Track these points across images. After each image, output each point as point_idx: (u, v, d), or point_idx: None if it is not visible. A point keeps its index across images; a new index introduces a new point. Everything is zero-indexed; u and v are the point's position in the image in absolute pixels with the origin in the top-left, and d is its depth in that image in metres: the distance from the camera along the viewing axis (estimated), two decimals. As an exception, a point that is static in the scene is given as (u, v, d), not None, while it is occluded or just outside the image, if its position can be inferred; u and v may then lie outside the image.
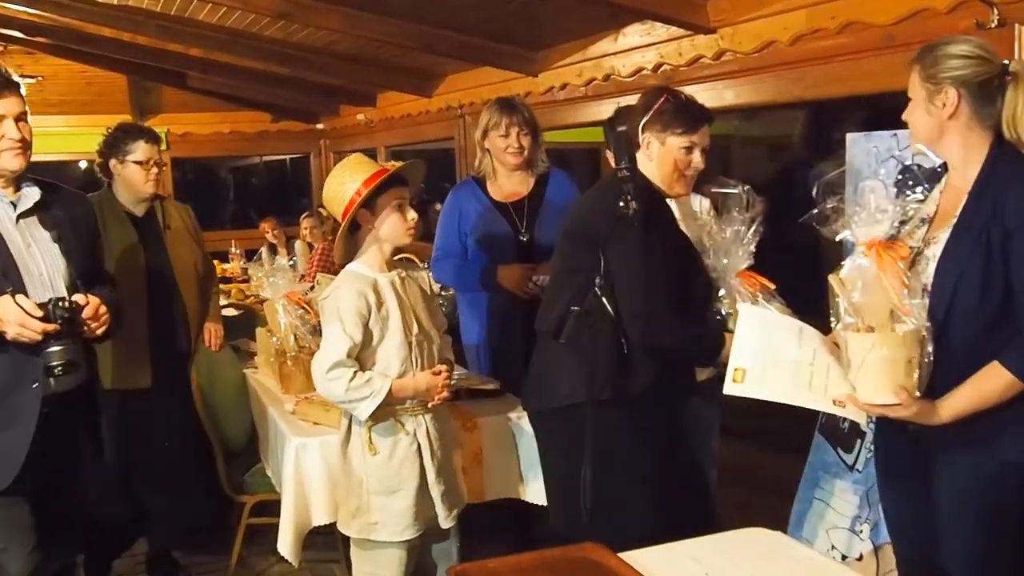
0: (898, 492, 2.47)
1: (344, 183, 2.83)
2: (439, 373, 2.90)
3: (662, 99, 2.88)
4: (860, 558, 3.13)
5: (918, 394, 2.17)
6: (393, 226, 2.85)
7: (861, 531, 3.15)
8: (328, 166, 10.12)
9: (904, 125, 2.42)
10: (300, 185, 10.84)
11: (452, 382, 3.01)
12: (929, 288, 2.21)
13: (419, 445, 2.90)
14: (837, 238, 2.25)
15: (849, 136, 3.32)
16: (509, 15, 4.73)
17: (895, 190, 2.23)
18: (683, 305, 2.79)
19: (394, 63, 6.43)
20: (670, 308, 2.77)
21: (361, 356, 2.83)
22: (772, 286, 2.76)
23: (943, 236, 2.25)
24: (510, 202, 3.97)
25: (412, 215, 2.88)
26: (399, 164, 2.91)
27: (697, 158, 2.87)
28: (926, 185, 2.40)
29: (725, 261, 2.78)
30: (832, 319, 2.27)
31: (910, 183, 2.37)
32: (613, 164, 3.57)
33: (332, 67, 6.79)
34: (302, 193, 10.70)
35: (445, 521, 2.96)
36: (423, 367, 2.89)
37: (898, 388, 2.13)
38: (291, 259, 6.56)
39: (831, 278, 2.23)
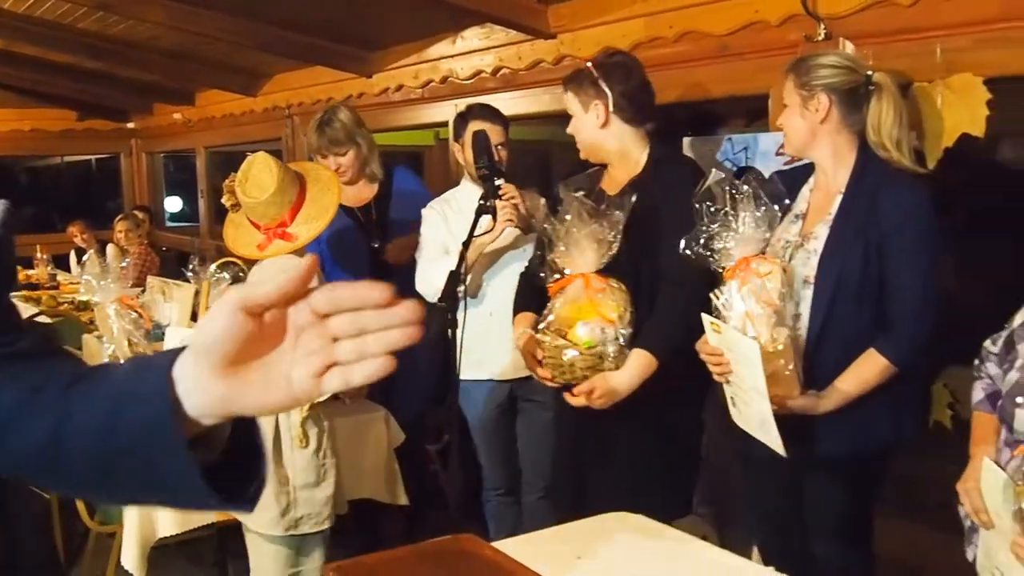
0: (761, 476, 2.64)
1: (280, 203, 2.88)
2: None
3: None
4: (704, 537, 3.28)
5: (798, 391, 2.36)
6: None
7: (704, 514, 3.31)
8: (140, 167, 9.70)
9: (711, 131, 2.60)
10: (109, 187, 10.32)
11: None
12: (813, 280, 2.39)
13: (333, 435, 2.97)
14: (710, 258, 2.40)
15: (685, 140, 3.50)
16: (344, 14, 4.69)
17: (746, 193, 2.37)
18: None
19: (218, 60, 6.24)
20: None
21: None
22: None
23: (821, 232, 2.44)
24: (359, 207, 3.93)
25: None
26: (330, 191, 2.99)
27: None
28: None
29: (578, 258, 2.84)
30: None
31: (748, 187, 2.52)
32: (461, 161, 3.63)
33: (149, 63, 6.51)
34: (111, 195, 10.19)
35: (344, 507, 3.06)
36: None
37: (779, 398, 2.32)
38: (103, 263, 6.28)
39: (712, 295, 2.39)
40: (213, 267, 3.86)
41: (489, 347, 3.44)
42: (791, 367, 2.34)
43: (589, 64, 2.86)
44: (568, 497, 3.02)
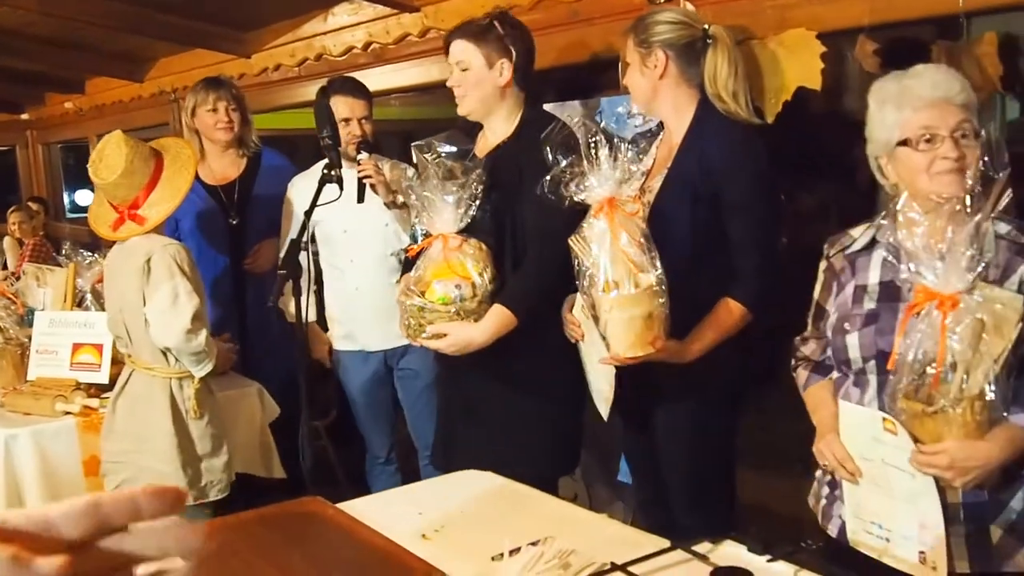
0: (632, 432, 2.72)
1: (131, 184, 2.93)
2: (226, 340, 3.15)
3: None
4: (575, 498, 3.37)
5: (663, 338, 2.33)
6: None
7: (575, 475, 3.39)
8: (37, 158, 9.49)
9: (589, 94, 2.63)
10: (4, 179, 10.07)
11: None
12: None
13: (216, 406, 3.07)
14: (576, 198, 2.31)
15: (546, 107, 3.53)
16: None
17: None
18: None
19: (102, 47, 6.13)
20: None
21: None
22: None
23: (656, 185, 2.50)
24: (221, 185, 3.94)
25: None
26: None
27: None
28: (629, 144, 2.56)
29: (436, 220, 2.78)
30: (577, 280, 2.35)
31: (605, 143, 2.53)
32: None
33: (33, 52, 6.36)
34: (8, 189, 9.95)
35: (233, 474, 3.14)
36: None
37: (653, 339, 2.27)
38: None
39: (571, 240, 2.34)
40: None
41: (357, 321, 3.51)
42: (666, 308, 2.30)
43: (493, 20, 2.80)
44: (444, 460, 3.06)
